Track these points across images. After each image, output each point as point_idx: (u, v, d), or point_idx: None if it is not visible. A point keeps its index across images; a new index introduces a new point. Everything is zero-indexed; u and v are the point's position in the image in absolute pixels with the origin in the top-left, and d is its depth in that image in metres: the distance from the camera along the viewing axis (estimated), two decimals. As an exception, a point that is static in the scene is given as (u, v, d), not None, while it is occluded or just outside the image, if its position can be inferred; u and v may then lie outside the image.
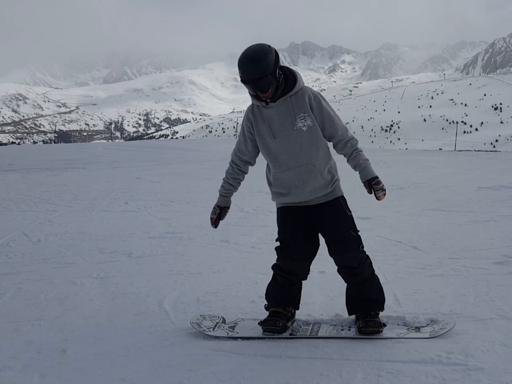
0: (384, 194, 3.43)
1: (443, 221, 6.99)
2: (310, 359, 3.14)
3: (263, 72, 3.27)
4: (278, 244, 3.65)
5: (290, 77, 3.49)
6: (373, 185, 3.42)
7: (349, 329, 3.59)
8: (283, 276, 3.65)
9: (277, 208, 3.70)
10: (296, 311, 3.80)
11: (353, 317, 3.67)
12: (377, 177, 3.44)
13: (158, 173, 13.63)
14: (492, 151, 39.65)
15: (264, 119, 3.52)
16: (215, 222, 3.80)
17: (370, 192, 3.45)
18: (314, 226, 3.59)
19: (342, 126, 3.54)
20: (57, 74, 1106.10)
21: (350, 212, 3.59)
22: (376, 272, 3.66)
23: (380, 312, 3.61)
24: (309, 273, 3.71)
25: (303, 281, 3.75)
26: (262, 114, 3.53)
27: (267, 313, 3.71)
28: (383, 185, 3.44)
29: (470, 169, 12.69)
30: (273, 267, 3.71)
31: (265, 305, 3.75)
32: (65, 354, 3.40)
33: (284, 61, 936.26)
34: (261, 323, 3.63)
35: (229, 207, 3.84)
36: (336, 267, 3.66)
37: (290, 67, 3.60)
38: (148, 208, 8.46)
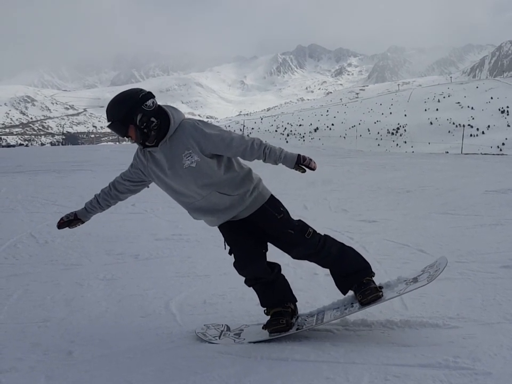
0: (315, 162, 3.36)
1: (450, 224, 6.96)
2: (317, 362, 3.13)
3: (112, 118, 3.34)
4: (233, 260, 3.64)
5: (165, 119, 3.42)
6: (302, 164, 3.34)
7: (352, 306, 3.59)
8: (256, 282, 3.66)
9: (218, 228, 3.68)
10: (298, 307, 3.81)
11: (352, 293, 3.66)
12: (299, 155, 3.35)
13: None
14: (498, 154, 39.43)
15: (155, 162, 3.48)
16: (62, 224, 3.74)
17: (304, 171, 3.38)
18: (256, 229, 3.58)
19: (236, 137, 3.41)
20: (65, 77, 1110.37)
21: (281, 212, 3.55)
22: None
23: (373, 277, 3.61)
24: (275, 271, 3.67)
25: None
26: (154, 158, 3.49)
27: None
28: (308, 157, 3.36)
29: (476, 172, 12.60)
30: (245, 282, 3.72)
31: (264, 310, 3.75)
32: (71, 356, 3.42)
33: (291, 64, 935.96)
34: (265, 326, 3.64)
35: (83, 222, 3.80)
36: None
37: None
38: (155, 210, 8.46)
